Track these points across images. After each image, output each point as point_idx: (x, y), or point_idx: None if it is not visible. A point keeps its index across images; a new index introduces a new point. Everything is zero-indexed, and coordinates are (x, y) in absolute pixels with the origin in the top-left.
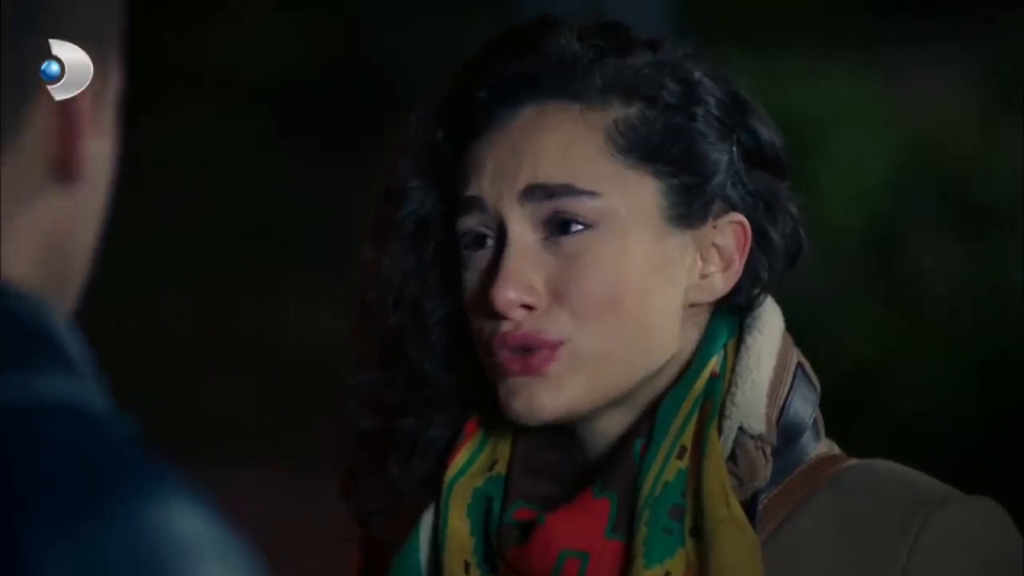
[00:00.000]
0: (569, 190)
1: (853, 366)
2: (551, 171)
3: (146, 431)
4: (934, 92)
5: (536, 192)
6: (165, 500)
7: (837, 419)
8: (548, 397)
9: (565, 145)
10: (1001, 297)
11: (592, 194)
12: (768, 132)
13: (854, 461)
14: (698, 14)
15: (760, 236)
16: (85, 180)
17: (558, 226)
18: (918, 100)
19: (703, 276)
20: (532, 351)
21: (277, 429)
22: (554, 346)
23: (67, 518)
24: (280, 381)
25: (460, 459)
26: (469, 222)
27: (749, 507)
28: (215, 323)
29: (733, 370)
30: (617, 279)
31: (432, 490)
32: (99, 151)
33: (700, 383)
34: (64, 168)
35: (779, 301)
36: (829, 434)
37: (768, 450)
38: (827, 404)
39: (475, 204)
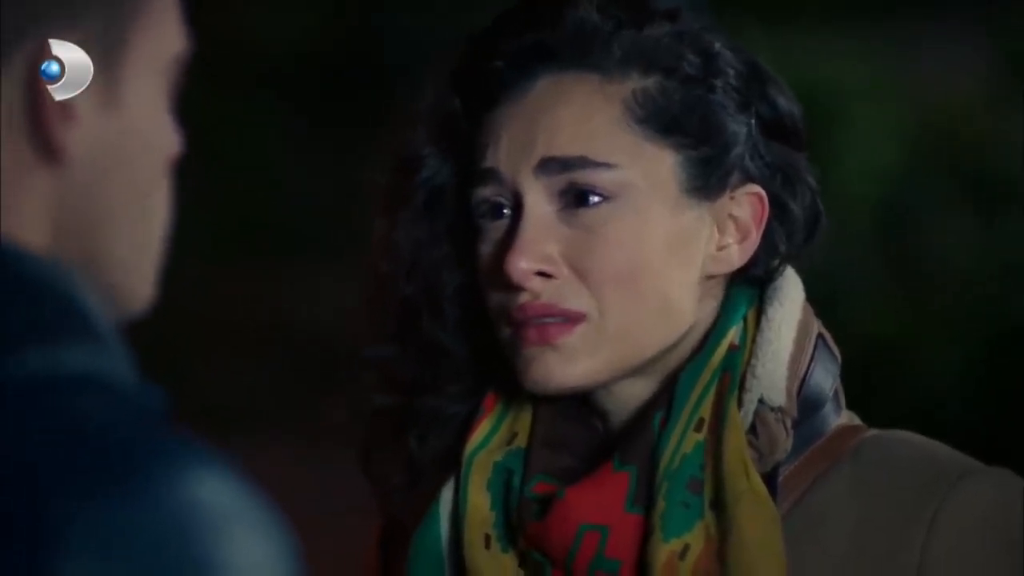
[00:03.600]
0: (584, 162)
1: (866, 344)
2: (566, 143)
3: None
4: (947, 68)
5: (551, 165)
6: (191, 473)
7: (851, 396)
8: (561, 369)
9: (582, 117)
10: (1015, 274)
11: (608, 166)
12: (786, 103)
13: (875, 432)
14: None
15: (778, 207)
16: (81, 162)
17: (575, 197)
18: (931, 76)
19: (720, 248)
20: (550, 320)
21: (289, 409)
22: (574, 319)
23: (91, 492)
24: (289, 363)
25: (479, 433)
26: (485, 192)
27: (769, 480)
28: (226, 307)
29: (754, 342)
30: (636, 253)
31: (451, 465)
32: (108, 135)
33: (718, 355)
34: (47, 150)
35: None
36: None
37: (788, 423)
38: (842, 381)
39: (491, 176)
